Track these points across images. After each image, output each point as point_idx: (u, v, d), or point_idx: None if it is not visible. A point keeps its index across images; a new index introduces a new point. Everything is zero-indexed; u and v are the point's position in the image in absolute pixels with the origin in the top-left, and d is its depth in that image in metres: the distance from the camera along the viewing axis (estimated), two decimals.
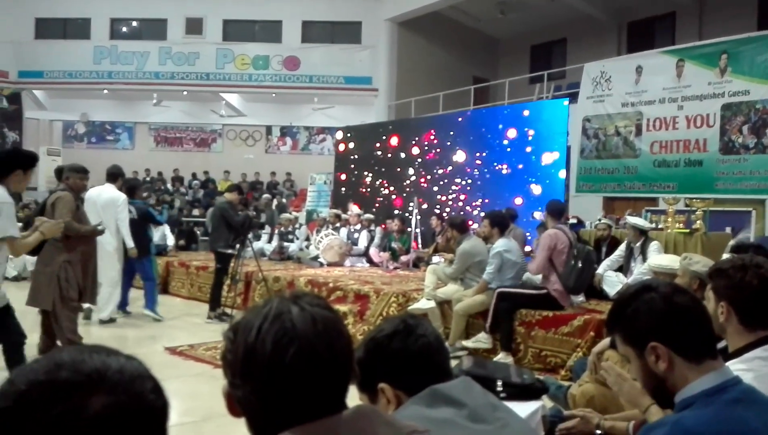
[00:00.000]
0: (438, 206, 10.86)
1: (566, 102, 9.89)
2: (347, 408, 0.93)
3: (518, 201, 9.67)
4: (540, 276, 5.50)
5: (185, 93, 17.58)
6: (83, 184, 5.18)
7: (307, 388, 0.89)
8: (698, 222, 6.73)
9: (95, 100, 18.36)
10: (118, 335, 6.08)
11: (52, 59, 17.09)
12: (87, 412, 0.66)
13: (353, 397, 1.21)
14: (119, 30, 17.90)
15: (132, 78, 17.16)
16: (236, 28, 17.40)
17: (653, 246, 5.94)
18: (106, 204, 6.34)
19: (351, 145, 13.14)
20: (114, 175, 6.56)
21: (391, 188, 12.07)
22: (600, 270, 6.14)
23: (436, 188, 11.26)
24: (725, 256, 3.66)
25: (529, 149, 9.87)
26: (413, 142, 11.78)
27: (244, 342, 0.90)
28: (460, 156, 10.94)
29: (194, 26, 17.28)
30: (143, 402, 0.70)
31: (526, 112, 10.25)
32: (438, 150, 11.36)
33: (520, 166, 9.96)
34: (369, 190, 12.47)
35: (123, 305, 6.95)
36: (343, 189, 13.08)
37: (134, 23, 18.03)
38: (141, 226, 6.71)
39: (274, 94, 17.51)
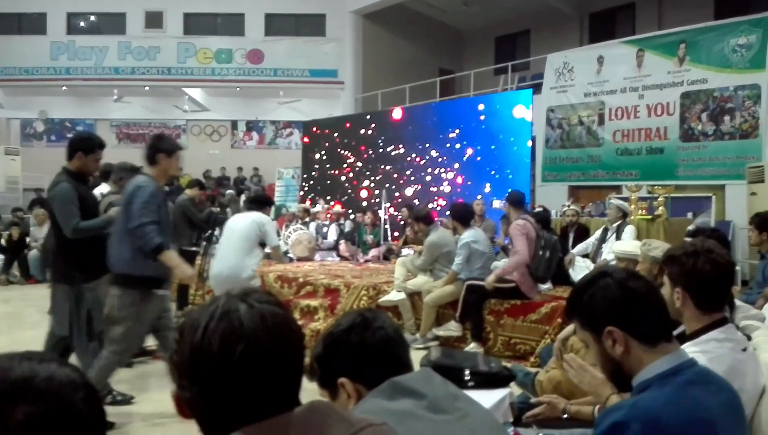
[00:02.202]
0: (399, 198, 10.88)
1: (518, 98, 9.98)
2: (300, 405, 0.91)
3: (485, 191, 9.73)
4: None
5: (147, 88, 17.22)
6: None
7: (256, 387, 0.86)
8: (660, 208, 6.89)
9: (54, 97, 17.86)
10: None
11: (7, 55, 16.57)
12: (10, 421, 0.63)
13: (315, 394, 1.19)
14: (77, 25, 17.42)
15: (91, 74, 16.73)
16: (197, 22, 17.09)
17: (628, 229, 6.10)
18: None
19: (318, 138, 13.05)
20: (106, 174, 6.53)
21: (361, 181, 12.04)
22: (574, 251, 6.34)
23: (404, 180, 11.27)
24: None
25: (494, 140, 9.94)
26: (380, 135, 11.77)
27: (191, 342, 0.87)
28: (426, 148, 10.96)
29: (154, 20, 16.91)
30: (72, 411, 0.68)
31: (491, 104, 10.32)
32: (405, 142, 11.36)
33: (485, 158, 10.02)
34: (338, 183, 12.42)
35: None
36: (313, 182, 12.99)
37: (92, 17, 17.56)
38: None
39: (238, 89, 17.28)
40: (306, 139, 13.57)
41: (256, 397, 0.87)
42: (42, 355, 0.72)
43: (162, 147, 3.68)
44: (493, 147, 9.93)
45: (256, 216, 5.08)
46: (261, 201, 5.50)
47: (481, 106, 10.41)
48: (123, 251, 3.48)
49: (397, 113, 11.88)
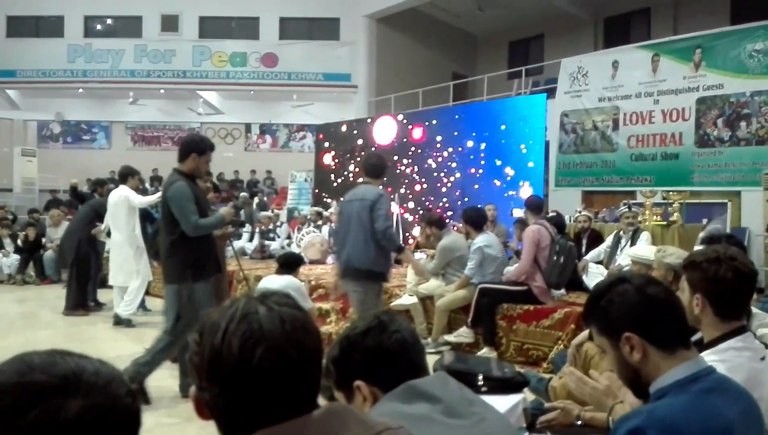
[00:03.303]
0: (415, 203, 10.87)
1: (532, 102, 9.94)
2: (318, 407, 0.91)
3: (502, 196, 9.69)
4: None
5: (162, 91, 17.38)
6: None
7: (275, 390, 0.87)
8: (675, 214, 6.83)
9: (70, 100, 18.07)
10: (102, 337, 6.00)
11: (25, 58, 16.78)
12: (64, 415, 0.64)
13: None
14: (93, 28, 17.62)
15: (107, 76, 16.91)
16: (213, 25, 17.24)
17: (644, 235, 6.02)
18: (115, 204, 6.49)
19: (331, 143, 13.08)
20: (124, 176, 6.63)
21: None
22: (587, 257, 6.27)
23: (417, 184, 11.26)
24: (696, 247, 3.71)
25: (507, 144, 9.91)
26: (394, 139, 11.77)
27: (210, 344, 0.88)
28: (440, 153, 10.95)
29: (170, 23, 17.08)
30: (119, 405, 0.69)
31: (504, 108, 10.29)
32: (418, 147, 11.36)
33: (499, 162, 9.99)
34: (351, 187, 12.43)
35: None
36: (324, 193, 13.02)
37: (108, 21, 17.76)
38: (141, 224, 6.84)
39: (252, 92, 17.38)
40: (320, 144, 13.60)
41: (275, 400, 0.87)
42: (78, 354, 0.73)
43: (387, 165, 4.54)
44: (506, 151, 9.90)
45: (288, 282, 4.90)
46: (291, 264, 5.32)
47: (494, 111, 10.38)
48: (369, 250, 4.08)
49: (414, 117, 11.86)
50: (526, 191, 8.99)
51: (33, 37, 17.18)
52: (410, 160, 11.45)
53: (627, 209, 6.62)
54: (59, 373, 0.67)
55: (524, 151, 9.65)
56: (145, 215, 7.02)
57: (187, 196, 3.80)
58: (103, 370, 0.71)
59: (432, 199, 10.95)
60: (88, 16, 17.40)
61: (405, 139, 11.60)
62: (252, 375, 0.86)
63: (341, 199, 4.61)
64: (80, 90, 17.45)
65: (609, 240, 6.40)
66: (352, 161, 12.44)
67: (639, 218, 6.79)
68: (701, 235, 5.52)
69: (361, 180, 4.51)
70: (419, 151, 11.33)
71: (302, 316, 0.93)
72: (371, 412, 1.15)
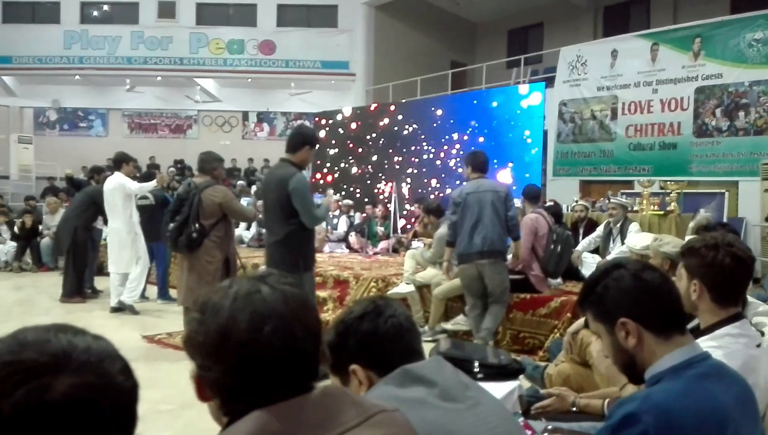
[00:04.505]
0: (415, 191, 10.86)
1: (530, 91, 9.90)
2: (315, 388, 0.92)
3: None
4: None
5: (159, 78, 17.28)
6: (222, 173, 5.18)
7: (282, 366, 0.88)
8: (672, 204, 6.84)
9: (67, 86, 17.95)
10: (99, 324, 5.99)
11: (21, 44, 16.66)
12: (52, 393, 0.63)
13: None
14: (90, 14, 17.49)
15: (104, 63, 16.81)
16: (210, 12, 17.11)
17: (633, 226, 6.02)
18: (111, 191, 6.48)
19: (329, 130, 13.04)
20: (118, 162, 6.59)
21: (373, 173, 12.03)
22: (579, 247, 6.26)
23: (416, 172, 11.25)
24: (687, 237, 3.71)
25: (505, 134, 9.90)
26: (392, 127, 11.74)
27: (216, 323, 0.89)
28: (438, 141, 10.93)
29: (167, 10, 16.95)
30: (111, 383, 0.68)
31: (503, 97, 10.26)
32: (417, 135, 11.33)
33: (497, 151, 9.97)
34: (348, 175, 12.41)
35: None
36: (321, 178, 13.00)
37: (105, 7, 17.64)
38: (158, 211, 6.82)
39: (249, 80, 17.29)
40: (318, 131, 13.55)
41: (280, 377, 0.88)
42: (76, 329, 0.72)
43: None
44: (504, 140, 9.89)
45: None
46: None
47: (492, 100, 10.36)
48: (504, 234, 4.81)
49: (413, 106, 11.82)
50: (524, 180, 8.98)
51: (29, 23, 17.05)
52: (409, 149, 11.44)
53: (608, 201, 6.65)
54: (50, 351, 0.66)
55: (522, 140, 9.65)
56: (163, 201, 6.98)
57: (308, 188, 3.88)
58: (95, 347, 0.70)
59: (429, 187, 10.95)
60: (84, 2, 17.29)
61: (406, 128, 11.57)
62: (261, 352, 0.87)
63: (462, 190, 4.95)
64: (77, 77, 17.34)
65: (600, 230, 6.39)
66: (352, 146, 12.41)
67: (636, 208, 6.81)
68: (691, 224, 5.51)
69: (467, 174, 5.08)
70: (417, 140, 11.31)
71: (302, 295, 0.95)
72: (367, 396, 1.15)
